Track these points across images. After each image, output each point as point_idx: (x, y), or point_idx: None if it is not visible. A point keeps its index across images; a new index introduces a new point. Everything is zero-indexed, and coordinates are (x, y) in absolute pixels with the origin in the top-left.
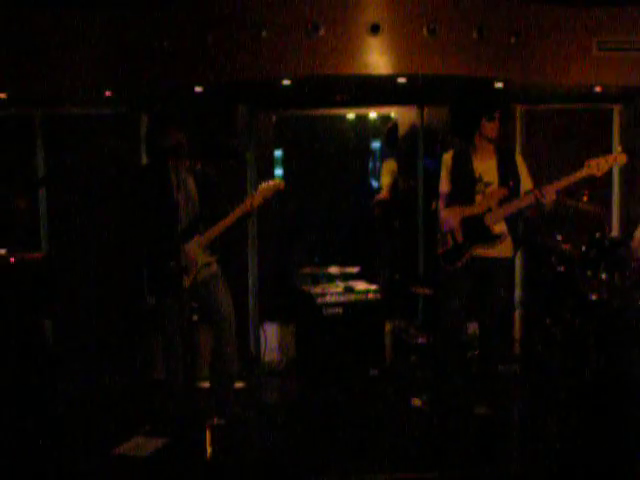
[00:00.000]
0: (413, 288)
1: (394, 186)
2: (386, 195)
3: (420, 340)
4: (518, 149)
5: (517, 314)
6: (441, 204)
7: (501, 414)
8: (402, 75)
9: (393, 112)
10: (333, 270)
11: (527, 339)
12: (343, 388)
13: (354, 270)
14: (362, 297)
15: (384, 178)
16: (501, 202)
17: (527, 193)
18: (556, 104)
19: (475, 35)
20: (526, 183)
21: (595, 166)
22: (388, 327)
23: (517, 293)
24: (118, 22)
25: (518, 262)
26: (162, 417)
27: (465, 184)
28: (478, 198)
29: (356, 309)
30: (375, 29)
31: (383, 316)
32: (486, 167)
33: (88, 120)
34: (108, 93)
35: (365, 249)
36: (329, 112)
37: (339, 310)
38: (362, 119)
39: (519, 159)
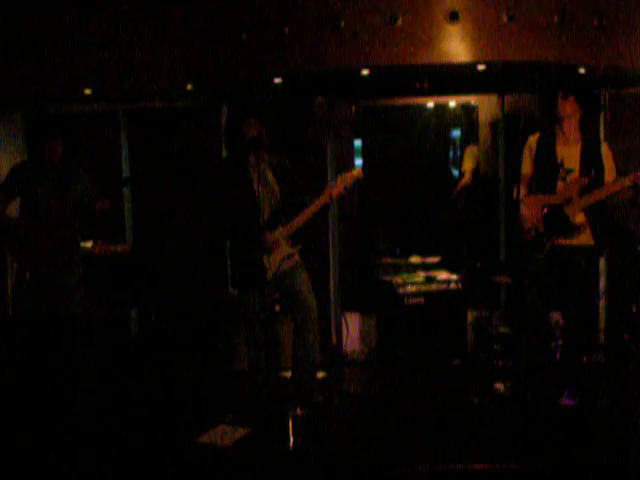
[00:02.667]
0: (494, 277)
1: (476, 172)
2: (469, 179)
3: (502, 329)
4: (603, 134)
5: (602, 303)
6: (522, 187)
7: (586, 405)
8: (482, 62)
9: (473, 100)
10: (414, 260)
11: (612, 328)
12: (425, 378)
13: (435, 260)
14: (443, 287)
15: (466, 163)
16: (581, 192)
17: (619, 179)
18: None
19: (556, 19)
20: (610, 174)
21: None
22: (470, 316)
23: (602, 281)
24: (197, 16)
25: None
26: (245, 407)
27: (547, 170)
28: (559, 185)
29: (437, 299)
30: (453, 16)
31: (465, 305)
32: (569, 153)
33: (170, 114)
34: (189, 86)
35: (446, 238)
36: (408, 101)
37: (420, 300)
38: (442, 108)
39: (605, 149)
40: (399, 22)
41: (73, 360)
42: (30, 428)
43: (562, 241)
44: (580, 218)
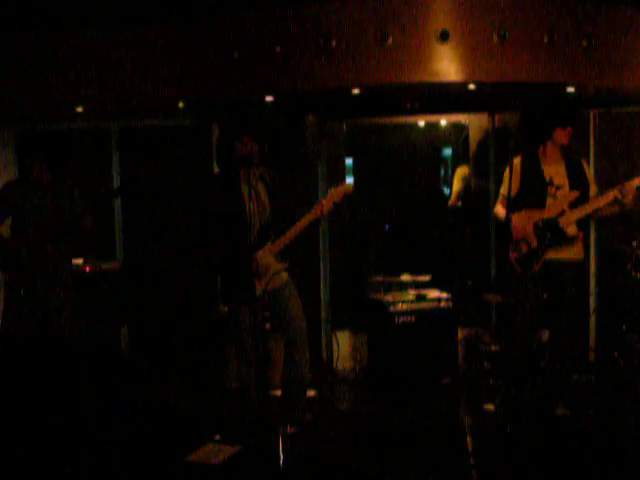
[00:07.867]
0: (485, 295)
1: (466, 192)
2: (453, 202)
3: (493, 348)
4: (592, 153)
5: (592, 321)
6: (499, 206)
7: (578, 422)
8: (472, 82)
9: (464, 119)
10: (405, 278)
11: (602, 346)
12: (415, 396)
13: (426, 278)
14: (434, 305)
15: (455, 184)
16: (572, 205)
17: (604, 193)
18: (631, 107)
19: (546, 40)
20: (593, 188)
21: None
22: (460, 335)
23: (592, 299)
24: (189, 35)
25: (592, 268)
26: (235, 425)
27: (536, 188)
28: (549, 201)
29: (428, 317)
30: (444, 36)
31: (455, 324)
32: (555, 171)
33: (162, 131)
34: (181, 104)
35: (437, 256)
36: (399, 120)
37: (411, 318)
38: (433, 126)
39: (585, 166)
40: (389, 41)
41: (63, 378)
42: (18, 446)
43: (552, 255)
44: (573, 230)
